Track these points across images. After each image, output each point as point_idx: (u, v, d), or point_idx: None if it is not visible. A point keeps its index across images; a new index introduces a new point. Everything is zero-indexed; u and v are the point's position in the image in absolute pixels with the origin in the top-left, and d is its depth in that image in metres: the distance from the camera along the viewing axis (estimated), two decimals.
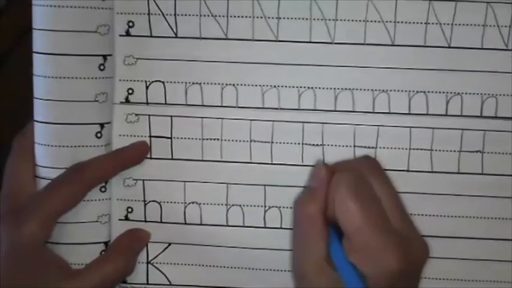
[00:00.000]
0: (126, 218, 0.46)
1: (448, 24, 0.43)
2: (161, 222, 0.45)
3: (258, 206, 0.45)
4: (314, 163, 0.44)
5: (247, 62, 0.44)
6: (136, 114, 0.45)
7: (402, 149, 0.44)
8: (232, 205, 0.45)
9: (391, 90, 0.44)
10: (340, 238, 0.39)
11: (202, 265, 0.46)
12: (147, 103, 0.45)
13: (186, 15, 0.44)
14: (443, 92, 0.44)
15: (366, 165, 0.41)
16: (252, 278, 0.45)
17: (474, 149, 0.44)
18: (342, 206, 0.38)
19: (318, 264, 0.39)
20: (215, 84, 0.44)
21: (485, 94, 0.44)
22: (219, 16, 0.43)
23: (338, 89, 0.44)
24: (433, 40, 0.43)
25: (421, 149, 0.44)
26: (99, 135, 0.44)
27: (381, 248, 0.37)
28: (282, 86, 0.44)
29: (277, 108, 0.44)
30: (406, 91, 0.44)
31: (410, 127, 0.44)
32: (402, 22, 0.43)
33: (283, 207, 0.45)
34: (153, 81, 0.44)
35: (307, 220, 0.40)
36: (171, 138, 0.45)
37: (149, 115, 0.45)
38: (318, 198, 0.40)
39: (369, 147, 0.44)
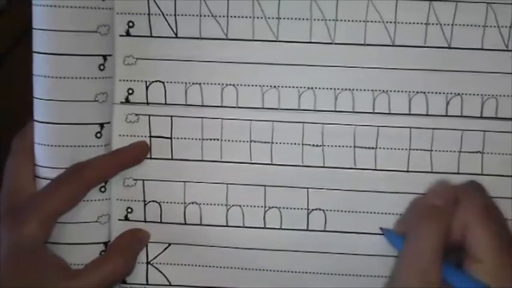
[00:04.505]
0: (126, 218, 0.45)
1: (448, 24, 0.43)
2: (161, 222, 0.45)
3: (258, 206, 0.45)
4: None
5: (247, 62, 0.44)
6: (136, 114, 0.45)
7: (402, 149, 0.44)
8: (232, 205, 0.45)
9: (391, 91, 0.44)
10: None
11: (202, 265, 0.46)
12: (147, 103, 0.45)
13: (186, 15, 0.44)
14: (443, 93, 0.44)
15: (479, 190, 0.41)
16: (251, 279, 0.45)
17: (474, 150, 0.44)
18: (476, 229, 0.38)
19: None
20: (215, 84, 0.44)
21: (485, 95, 0.43)
22: (219, 16, 0.43)
23: (338, 89, 0.44)
24: (433, 40, 0.43)
25: (421, 149, 0.44)
26: (99, 135, 0.44)
27: None
28: (282, 86, 0.44)
29: (277, 109, 0.44)
30: (406, 91, 0.44)
31: (410, 127, 0.44)
32: (402, 22, 0.43)
33: (283, 207, 0.45)
34: (153, 81, 0.44)
35: (427, 237, 0.38)
36: (171, 138, 0.45)
37: (149, 115, 0.45)
38: (444, 218, 0.39)
39: (368, 148, 0.44)
